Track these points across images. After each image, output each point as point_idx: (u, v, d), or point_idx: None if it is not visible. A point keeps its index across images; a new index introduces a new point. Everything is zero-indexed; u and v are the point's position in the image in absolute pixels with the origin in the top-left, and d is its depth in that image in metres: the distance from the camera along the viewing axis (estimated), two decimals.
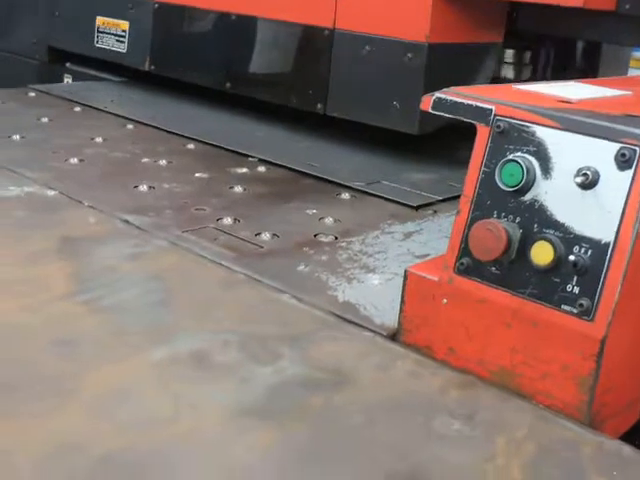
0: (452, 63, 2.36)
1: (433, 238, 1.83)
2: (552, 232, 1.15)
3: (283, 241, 1.72)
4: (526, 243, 1.17)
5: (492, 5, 2.38)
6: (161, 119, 2.71)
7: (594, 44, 2.91)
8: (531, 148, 1.18)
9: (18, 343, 1.21)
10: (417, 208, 2.03)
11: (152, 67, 3.11)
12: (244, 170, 2.23)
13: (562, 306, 1.14)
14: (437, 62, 2.30)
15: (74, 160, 2.17)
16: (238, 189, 2.05)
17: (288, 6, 2.58)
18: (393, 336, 1.34)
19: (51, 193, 1.87)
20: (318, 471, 0.98)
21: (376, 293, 1.50)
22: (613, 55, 3.02)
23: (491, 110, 1.21)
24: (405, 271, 1.30)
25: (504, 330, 1.19)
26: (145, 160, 2.25)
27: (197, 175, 2.14)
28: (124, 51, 3.24)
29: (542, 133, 1.17)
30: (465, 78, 2.41)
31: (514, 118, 1.19)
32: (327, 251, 1.68)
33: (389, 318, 1.39)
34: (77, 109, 2.85)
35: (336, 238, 1.76)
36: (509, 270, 1.19)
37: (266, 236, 1.73)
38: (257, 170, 2.25)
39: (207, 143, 2.49)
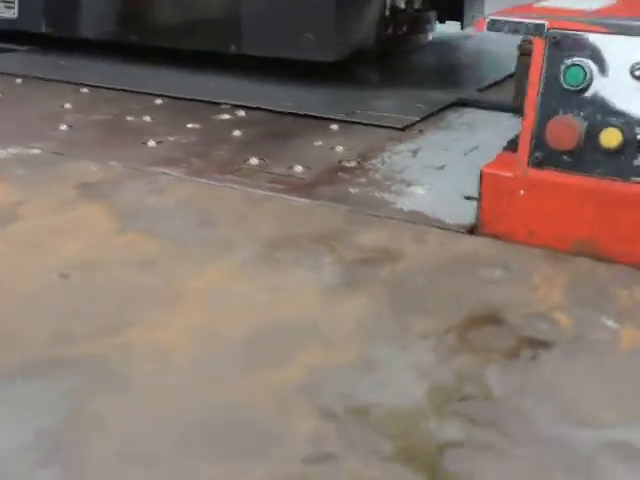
0: None
1: (436, 152, 2.04)
2: (615, 120, 1.38)
3: (317, 171, 1.88)
4: (593, 132, 1.40)
5: None
6: (107, 79, 2.74)
7: None
8: (586, 52, 1.40)
9: (111, 273, 1.34)
10: (404, 129, 2.23)
11: (49, 29, 3.08)
12: (227, 116, 2.35)
13: (632, 178, 1.37)
14: None
15: (64, 127, 2.23)
16: (237, 133, 2.18)
17: None
18: (471, 231, 1.54)
19: (82, 162, 1.94)
20: None
21: (428, 201, 1.70)
22: None
23: (544, 25, 1.42)
24: (480, 171, 1.50)
25: (581, 207, 1.42)
26: (130, 118, 2.33)
27: (189, 126, 2.25)
28: (14, 17, 3.19)
29: (594, 39, 1.39)
30: (366, 5, 2.70)
31: (567, 29, 1.41)
32: (360, 174, 1.86)
33: (456, 217, 1.59)
34: (18, 81, 2.84)
35: (359, 163, 1.94)
36: (580, 156, 1.41)
37: (299, 169, 1.89)
38: (238, 115, 2.37)
39: (171, 97, 2.57)
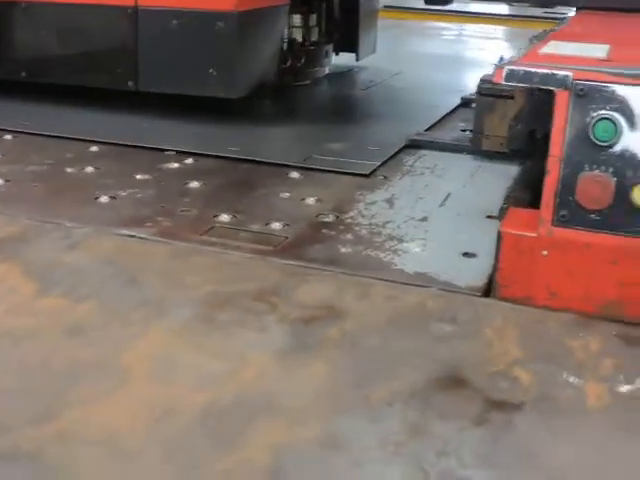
0: (256, 27, 2.55)
1: (411, 201, 1.95)
2: None
3: (297, 228, 1.76)
4: (623, 189, 1.33)
5: None
6: (31, 124, 2.54)
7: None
8: (614, 105, 1.33)
9: (34, 345, 1.22)
10: (369, 176, 2.13)
11: None
12: (176, 165, 2.20)
13: None
14: (245, 28, 2.47)
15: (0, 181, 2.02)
16: (194, 184, 2.03)
17: None
18: (486, 293, 1.45)
19: (22, 221, 1.75)
20: None
21: (428, 260, 1.60)
22: (366, 7, 3.41)
23: (569, 76, 1.35)
24: (499, 232, 1.41)
25: (610, 268, 1.35)
26: (70, 170, 2.14)
27: (139, 177, 2.09)
28: None
29: (623, 90, 1.33)
30: (267, 40, 2.65)
31: (594, 81, 1.34)
32: (344, 230, 1.75)
33: (464, 278, 1.50)
34: None
35: (337, 217, 1.82)
36: (610, 214, 1.34)
37: (277, 226, 1.76)
38: (187, 163, 2.22)
39: (107, 143, 2.39)
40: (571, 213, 1.36)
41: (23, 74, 2.75)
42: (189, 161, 2.24)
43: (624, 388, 1.16)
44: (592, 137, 1.34)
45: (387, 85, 3.41)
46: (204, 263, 1.56)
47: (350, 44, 3.37)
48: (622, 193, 1.33)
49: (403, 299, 1.42)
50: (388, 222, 1.79)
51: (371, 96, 3.28)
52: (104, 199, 1.91)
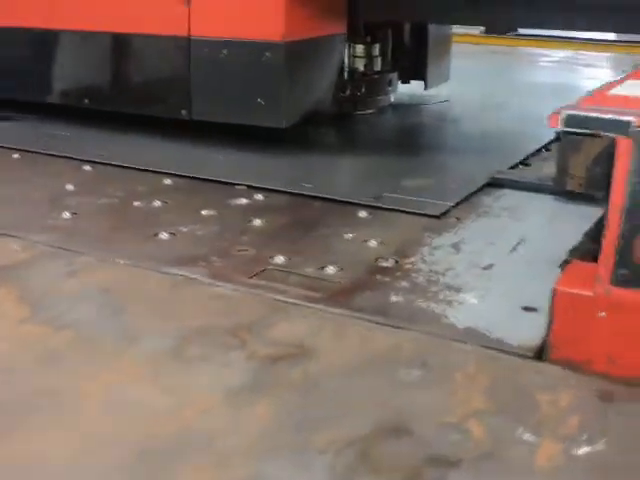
0: (307, 57, 2.56)
1: (480, 246, 1.85)
2: None
3: (352, 272, 1.68)
4: None
5: (333, 2, 2.59)
6: (111, 155, 2.57)
7: (421, 27, 3.24)
8: None
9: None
10: (439, 217, 2.03)
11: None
12: (244, 201, 2.16)
13: None
14: (293, 58, 2.47)
15: (67, 214, 2.03)
16: (257, 222, 1.99)
17: (143, 20, 2.67)
18: (539, 355, 1.33)
19: (81, 258, 1.74)
20: None
21: (483, 313, 1.49)
22: (437, 32, 3.34)
23: (630, 122, 1.23)
24: (553, 289, 1.30)
25: None
26: (137, 204, 2.13)
27: (204, 213, 2.06)
28: None
29: None
30: (319, 69, 2.65)
31: None
32: (400, 276, 1.66)
33: (519, 336, 1.39)
34: (15, 156, 2.65)
35: (396, 261, 1.73)
36: None
37: (331, 270, 1.68)
38: (257, 199, 2.18)
39: (181, 176, 2.38)
40: (632, 272, 1.24)
41: (86, 101, 2.86)
42: (259, 197, 2.20)
43: (582, 450, 1.07)
44: None
45: (474, 116, 3.30)
46: (197, 296, 1.57)
47: (419, 72, 3.32)
48: None
49: (378, 341, 1.38)
50: (449, 269, 1.69)
51: (457, 128, 3.18)
52: (164, 235, 1.88)
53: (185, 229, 1.94)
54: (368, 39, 3.04)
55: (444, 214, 2.05)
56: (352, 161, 2.63)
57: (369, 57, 3.04)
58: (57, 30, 2.87)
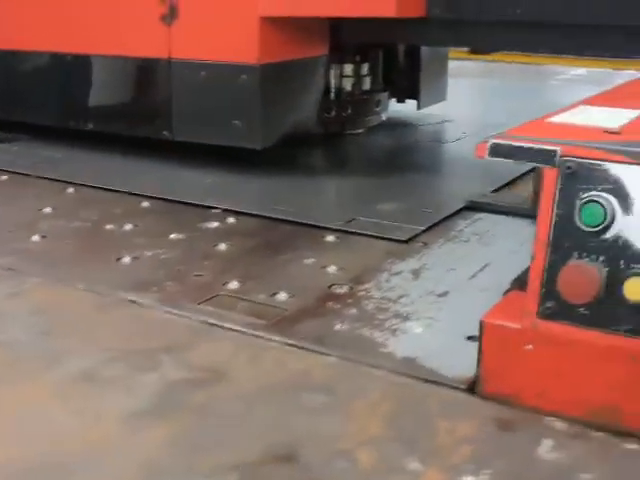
0: (284, 79, 2.56)
1: (440, 272, 1.82)
2: None
3: (302, 299, 1.66)
4: (615, 281, 1.17)
5: (315, 22, 2.56)
6: (97, 177, 2.59)
7: (413, 46, 3.22)
8: (607, 186, 1.18)
9: None
10: (407, 242, 2.01)
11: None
12: (216, 224, 2.16)
13: None
14: (269, 80, 2.49)
15: (36, 238, 2.04)
16: (223, 246, 1.98)
17: (125, 42, 2.71)
18: (471, 388, 1.30)
19: (31, 280, 1.75)
20: None
21: (425, 343, 1.47)
22: (431, 51, 3.32)
23: (556, 152, 1.21)
24: (481, 322, 1.27)
25: (602, 369, 1.19)
26: (109, 227, 2.13)
27: (172, 237, 2.05)
28: None
29: (616, 169, 1.17)
30: (298, 91, 2.64)
31: (583, 157, 1.19)
32: (351, 303, 1.64)
33: (456, 368, 1.36)
34: (3, 177, 2.68)
35: (351, 288, 1.72)
36: (599, 309, 1.18)
37: (283, 296, 1.67)
38: (228, 222, 2.18)
39: (159, 199, 2.39)
40: (557, 306, 1.21)
41: (72, 123, 2.90)
42: (231, 220, 2.19)
43: (465, 479, 1.05)
44: (579, 221, 1.19)
45: (468, 137, 3.26)
46: (130, 319, 1.58)
47: (413, 92, 3.31)
48: (613, 286, 1.17)
49: (292, 366, 1.38)
50: (403, 296, 1.67)
51: (448, 149, 3.16)
52: (126, 259, 1.89)
53: (149, 253, 1.94)
54: (357, 58, 3.02)
55: (412, 239, 2.03)
56: (332, 183, 2.63)
57: (357, 77, 3.02)
58: (42, 52, 2.92)
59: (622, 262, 1.17)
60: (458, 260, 1.91)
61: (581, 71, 5.70)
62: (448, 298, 1.67)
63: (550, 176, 1.22)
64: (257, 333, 1.50)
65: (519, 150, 1.23)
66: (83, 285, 1.74)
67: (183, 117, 2.63)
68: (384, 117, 3.32)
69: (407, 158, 3.04)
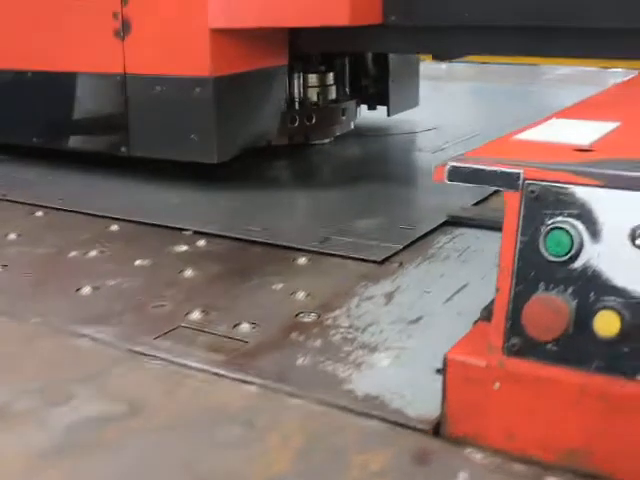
0: (241, 91, 2.50)
1: (415, 297, 1.73)
2: (613, 300, 1.05)
3: (265, 330, 1.57)
4: (584, 314, 1.07)
5: (271, 32, 2.51)
6: (68, 199, 2.51)
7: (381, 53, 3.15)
8: (573, 211, 1.09)
9: None
10: (382, 262, 1.92)
11: None
12: (185, 248, 2.07)
13: (637, 376, 1.04)
14: (225, 92, 2.43)
15: None
16: (189, 273, 1.89)
17: (81, 58, 2.67)
18: (437, 429, 1.21)
19: None
20: None
21: (390, 378, 1.37)
22: (400, 57, 3.26)
23: (519, 174, 1.11)
24: (445, 358, 1.18)
25: (572, 409, 1.09)
26: (74, 254, 2.05)
27: (138, 263, 1.97)
28: None
29: (584, 193, 1.08)
30: (257, 103, 2.59)
31: (548, 180, 1.10)
32: (316, 334, 1.55)
33: (421, 406, 1.27)
34: None
35: (319, 316, 1.63)
36: (568, 345, 1.09)
37: (245, 327, 1.58)
38: (198, 245, 2.09)
39: (129, 221, 2.30)
40: (524, 341, 1.12)
41: (34, 140, 2.87)
42: (201, 243, 2.11)
43: None
44: (544, 250, 1.10)
45: (449, 146, 3.17)
46: (61, 351, 1.51)
47: (382, 98, 3.25)
48: (582, 320, 1.08)
49: (214, 398, 1.31)
50: (372, 324, 1.58)
51: (426, 159, 3.06)
52: (86, 290, 1.80)
53: (112, 282, 1.85)
54: (322, 68, 2.97)
55: (387, 259, 1.93)
56: (303, 198, 2.55)
57: (323, 86, 2.97)
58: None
59: (592, 294, 1.07)
60: (435, 281, 1.82)
61: (571, 70, 5.60)
62: (420, 325, 1.58)
63: (513, 201, 1.13)
64: (210, 369, 1.41)
65: (479, 173, 1.14)
66: (38, 319, 1.64)
67: (140, 133, 2.58)
68: (352, 126, 3.25)
69: (384, 169, 2.95)
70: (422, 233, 2.10)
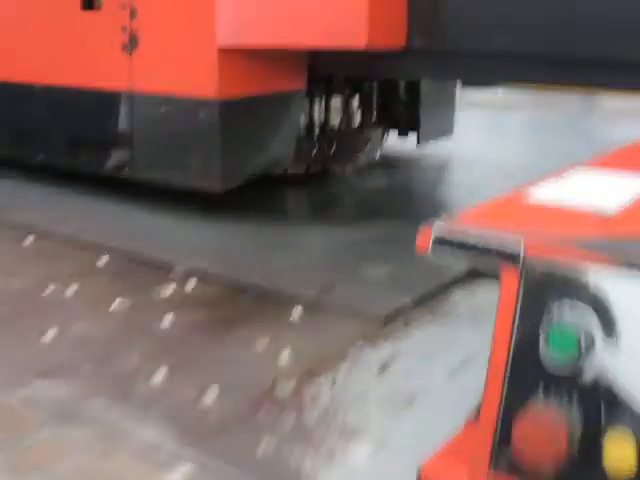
0: (251, 115, 2.29)
1: (415, 366, 1.49)
2: (630, 419, 0.80)
3: (233, 401, 1.35)
4: (593, 438, 0.83)
5: (286, 54, 2.27)
6: (59, 221, 2.34)
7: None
8: (584, 298, 0.84)
9: None
10: (385, 320, 1.68)
11: None
12: (172, 289, 1.87)
13: None
14: (232, 116, 2.23)
15: None
16: (168, 320, 1.68)
17: (88, 73, 2.51)
18: None
19: None
20: None
21: (367, 476, 1.13)
22: (433, 83, 3.01)
23: (519, 249, 0.87)
24: (418, 472, 0.94)
25: None
26: (51, 289, 1.85)
27: (116, 304, 1.77)
28: None
29: (598, 276, 0.83)
30: (269, 128, 2.36)
31: (554, 257, 0.85)
32: (290, 410, 1.33)
33: None
34: None
35: (299, 385, 1.40)
36: (570, 474, 0.84)
37: (211, 396, 1.36)
38: (187, 287, 1.88)
39: (120, 251, 2.10)
40: (513, 465, 0.87)
41: (37, 157, 2.72)
42: (191, 284, 1.91)
43: None
44: (545, 349, 0.85)
45: (483, 180, 2.91)
46: None
47: (413, 125, 3.02)
48: (588, 448, 0.83)
49: None
50: (358, 400, 1.36)
51: (457, 196, 2.80)
52: (49, 336, 1.62)
53: (82, 326, 1.66)
54: (347, 91, 2.76)
55: (392, 316, 1.70)
56: (314, 234, 2.32)
57: (346, 111, 2.77)
58: None
59: (603, 412, 0.82)
60: (441, 346, 1.58)
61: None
62: (413, 406, 1.35)
63: (510, 280, 0.88)
64: (153, 451, 1.19)
65: (470, 247, 0.90)
66: None
67: (144, 155, 2.41)
68: (378, 154, 3.03)
69: (407, 206, 2.70)
70: (437, 286, 1.85)
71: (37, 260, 2.07)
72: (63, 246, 2.20)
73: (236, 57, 2.19)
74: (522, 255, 0.85)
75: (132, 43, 2.33)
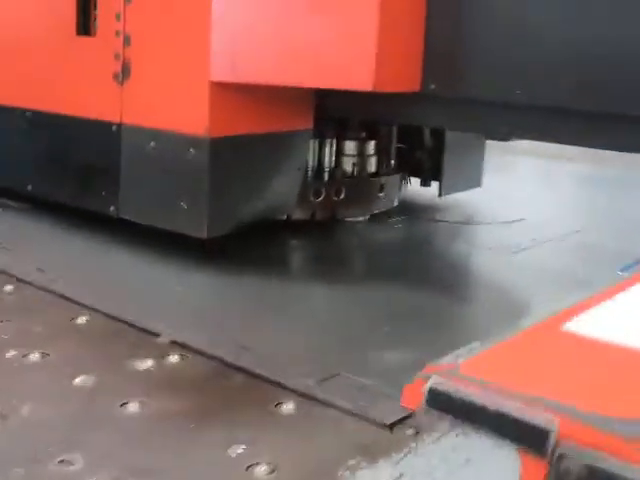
0: (246, 156, 2.11)
1: None
2: None
3: None
4: None
5: (289, 92, 2.08)
6: (45, 269, 2.11)
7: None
8: None
9: None
10: (392, 427, 1.40)
11: None
12: (149, 364, 1.61)
13: None
14: (224, 157, 2.06)
15: None
16: (132, 408, 1.43)
17: (77, 101, 2.36)
18: None
19: None
20: None
21: None
22: (460, 133, 2.77)
23: (549, 430, 0.59)
24: None
25: None
26: (11, 355, 1.62)
27: (77, 381, 1.53)
28: None
29: None
30: (267, 171, 2.18)
31: (599, 447, 0.57)
32: None
33: None
34: None
35: None
36: None
37: None
38: (166, 363, 1.63)
39: (102, 312, 1.88)
40: None
41: (29, 188, 2.59)
42: (174, 358, 1.66)
43: None
44: None
45: (534, 248, 2.61)
46: None
47: (436, 174, 2.81)
48: None
49: None
50: None
51: (499, 263, 2.50)
52: None
53: (30, 409, 1.42)
54: (362, 135, 2.58)
55: (401, 420, 1.42)
56: (315, 299, 2.08)
57: (360, 156, 2.58)
58: None
59: None
60: (457, 469, 1.28)
61: None
62: None
63: (532, 472, 0.61)
64: None
65: (474, 417, 0.63)
66: None
67: (130, 193, 2.24)
68: (395, 203, 2.79)
69: (431, 270, 2.41)
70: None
71: (6, 316, 1.85)
72: (41, 298, 1.98)
73: (231, 92, 2.02)
74: (553, 439, 0.57)
75: (124, 72, 2.17)
